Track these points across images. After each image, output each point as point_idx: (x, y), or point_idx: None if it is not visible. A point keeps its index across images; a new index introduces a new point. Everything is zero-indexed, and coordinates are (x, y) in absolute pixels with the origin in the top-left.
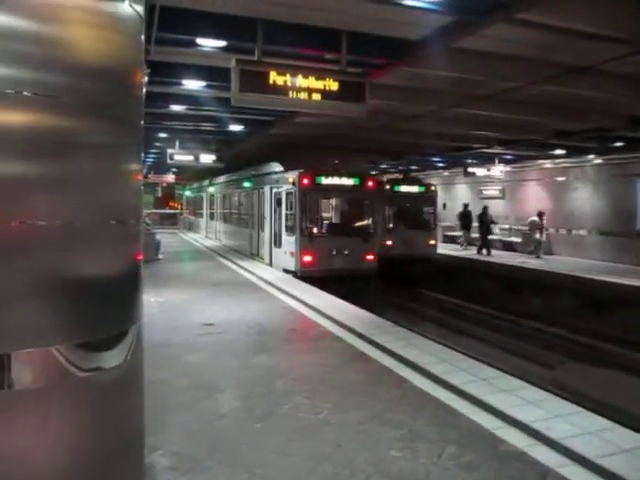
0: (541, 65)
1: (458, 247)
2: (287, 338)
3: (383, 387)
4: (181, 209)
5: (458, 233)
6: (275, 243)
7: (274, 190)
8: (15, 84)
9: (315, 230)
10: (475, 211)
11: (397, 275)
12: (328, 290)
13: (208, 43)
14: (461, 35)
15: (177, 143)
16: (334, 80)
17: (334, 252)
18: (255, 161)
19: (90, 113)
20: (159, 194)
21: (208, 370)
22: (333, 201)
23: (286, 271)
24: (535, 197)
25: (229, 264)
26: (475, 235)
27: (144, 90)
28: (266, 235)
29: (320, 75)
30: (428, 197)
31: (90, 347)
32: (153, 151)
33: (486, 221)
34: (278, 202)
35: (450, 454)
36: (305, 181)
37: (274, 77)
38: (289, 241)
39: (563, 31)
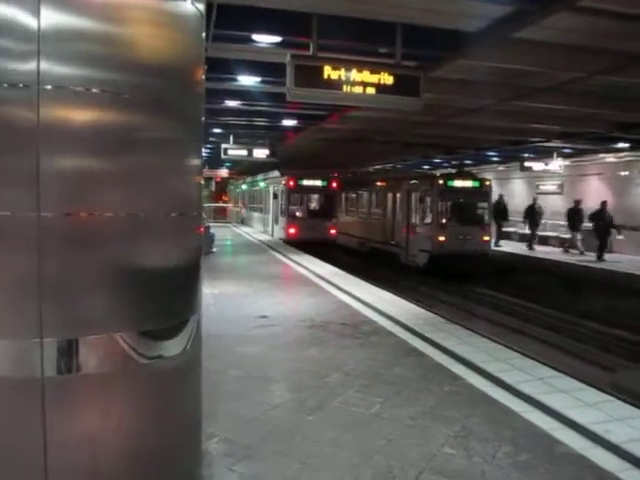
0: (605, 54)
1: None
2: (339, 332)
3: (436, 383)
4: (233, 203)
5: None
6: (275, 222)
7: (274, 188)
8: (84, 82)
9: (297, 214)
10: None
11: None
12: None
13: (263, 39)
14: (521, 25)
15: (231, 138)
16: (389, 74)
17: (309, 227)
18: (306, 156)
19: (154, 109)
20: (213, 188)
21: (261, 361)
22: (309, 195)
23: (281, 239)
24: (596, 192)
25: (281, 257)
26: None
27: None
28: (270, 217)
29: (374, 69)
30: (483, 192)
31: (153, 335)
32: (208, 146)
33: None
34: (275, 196)
35: (505, 453)
36: (291, 183)
37: (329, 71)
38: (282, 220)
39: (628, 18)
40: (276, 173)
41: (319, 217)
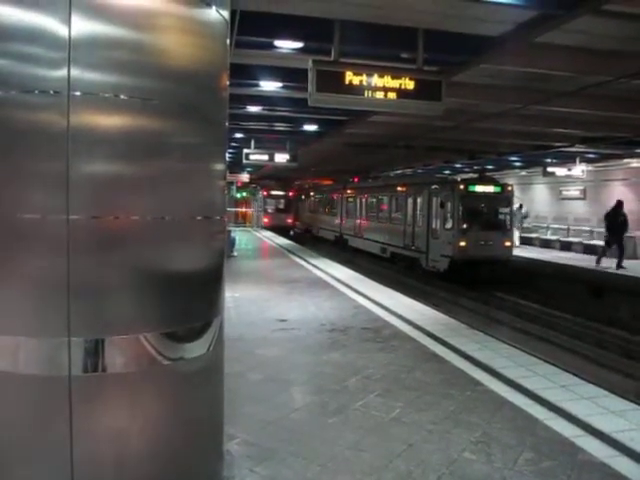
0: (631, 58)
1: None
2: (359, 336)
3: (457, 389)
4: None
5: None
6: (257, 217)
7: (258, 196)
8: (113, 88)
9: (269, 210)
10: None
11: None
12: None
13: (285, 45)
14: (545, 30)
15: (252, 143)
16: (410, 79)
17: (276, 218)
18: (327, 160)
19: (181, 115)
20: (235, 193)
21: (282, 364)
22: (277, 200)
23: (260, 227)
24: (620, 198)
25: (301, 262)
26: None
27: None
28: (255, 214)
29: (396, 74)
30: (504, 197)
31: (176, 337)
32: (230, 151)
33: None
34: (257, 201)
35: (526, 460)
36: (265, 193)
37: (350, 77)
38: (261, 215)
39: None
40: (259, 187)
41: (281, 212)
